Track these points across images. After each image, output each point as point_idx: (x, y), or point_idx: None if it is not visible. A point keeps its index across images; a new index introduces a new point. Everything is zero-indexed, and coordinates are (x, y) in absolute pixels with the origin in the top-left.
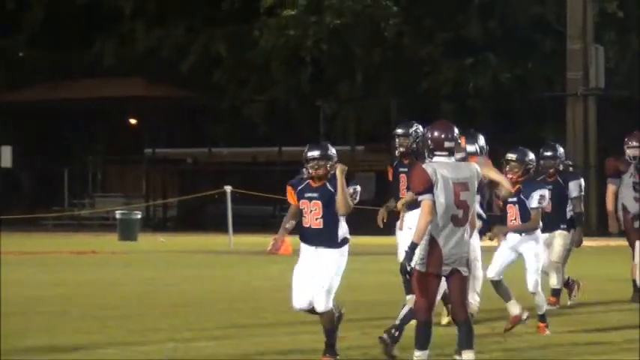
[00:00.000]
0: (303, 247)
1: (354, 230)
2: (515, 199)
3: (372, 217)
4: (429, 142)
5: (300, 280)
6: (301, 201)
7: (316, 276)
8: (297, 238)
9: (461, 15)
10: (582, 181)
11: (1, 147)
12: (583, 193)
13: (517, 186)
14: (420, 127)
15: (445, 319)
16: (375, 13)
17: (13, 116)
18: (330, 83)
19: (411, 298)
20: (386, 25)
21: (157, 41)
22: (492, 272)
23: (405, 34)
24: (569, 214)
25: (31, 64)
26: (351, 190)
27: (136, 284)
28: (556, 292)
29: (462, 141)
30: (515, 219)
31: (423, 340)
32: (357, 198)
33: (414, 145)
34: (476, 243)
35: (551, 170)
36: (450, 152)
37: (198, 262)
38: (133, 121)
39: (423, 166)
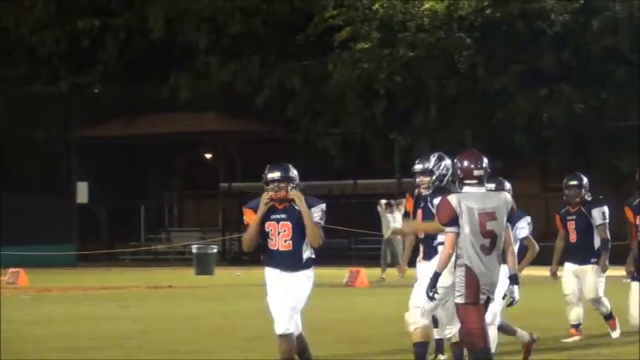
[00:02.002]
0: (269, 271)
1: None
2: None
3: None
4: (459, 171)
5: (277, 305)
6: (267, 223)
7: (286, 298)
8: (372, 270)
9: (534, 46)
10: (606, 208)
11: (78, 183)
12: (607, 221)
13: None
14: (444, 164)
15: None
16: (448, 45)
17: (89, 152)
18: (404, 115)
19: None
20: (459, 57)
21: (232, 75)
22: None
23: (479, 65)
24: (597, 245)
25: (107, 100)
26: (319, 213)
27: (213, 318)
28: (610, 317)
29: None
30: None
31: None
32: (324, 217)
33: (437, 182)
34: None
35: (577, 200)
36: (480, 181)
37: None
38: (208, 155)
39: (448, 197)
